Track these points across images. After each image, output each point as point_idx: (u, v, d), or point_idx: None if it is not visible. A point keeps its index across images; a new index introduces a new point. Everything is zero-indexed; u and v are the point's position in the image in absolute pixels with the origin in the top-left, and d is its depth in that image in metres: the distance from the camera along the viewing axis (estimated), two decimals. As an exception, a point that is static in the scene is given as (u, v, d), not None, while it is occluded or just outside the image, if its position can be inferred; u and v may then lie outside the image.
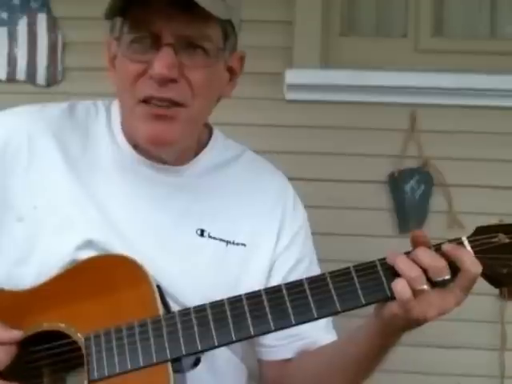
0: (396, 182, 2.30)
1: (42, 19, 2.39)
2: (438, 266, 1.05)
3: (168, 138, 1.20)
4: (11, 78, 2.40)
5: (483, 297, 2.20)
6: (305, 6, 2.32)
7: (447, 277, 1.06)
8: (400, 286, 1.05)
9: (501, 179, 2.26)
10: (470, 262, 1.06)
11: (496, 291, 2.27)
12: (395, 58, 2.37)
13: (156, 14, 1.14)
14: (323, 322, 1.31)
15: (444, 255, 1.07)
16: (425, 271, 1.06)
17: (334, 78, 2.32)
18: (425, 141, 2.30)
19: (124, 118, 1.26)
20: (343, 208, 2.31)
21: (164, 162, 1.27)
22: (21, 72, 2.40)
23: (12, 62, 2.40)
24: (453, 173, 2.29)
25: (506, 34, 2.48)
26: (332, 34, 2.41)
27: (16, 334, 1.11)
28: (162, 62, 1.14)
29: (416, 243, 1.10)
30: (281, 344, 1.31)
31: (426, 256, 1.06)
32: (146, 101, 1.17)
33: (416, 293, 1.05)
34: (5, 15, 2.39)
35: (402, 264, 1.06)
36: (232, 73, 1.28)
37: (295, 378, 1.31)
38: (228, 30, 1.22)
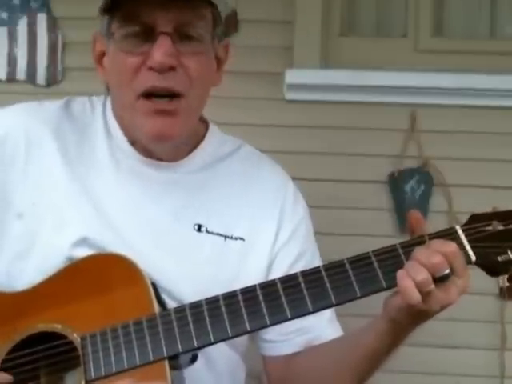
0: (396, 182, 2.30)
1: (42, 19, 2.38)
2: (438, 263, 1.05)
3: (171, 133, 1.20)
4: (11, 78, 2.40)
5: (483, 297, 2.21)
6: (305, 6, 2.31)
7: (447, 271, 1.05)
8: (409, 290, 1.04)
9: (501, 179, 2.26)
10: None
11: (496, 291, 2.28)
12: (395, 57, 2.37)
13: (149, 6, 1.14)
14: (327, 315, 1.31)
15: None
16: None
17: (334, 77, 2.31)
18: (425, 141, 2.30)
19: (122, 115, 1.25)
20: (343, 208, 2.31)
21: (160, 159, 1.27)
22: (21, 72, 2.40)
23: (12, 62, 2.39)
24: (453, 173, 2.29)
25: (505, 34, 2.48)
26: (332, 34, 2.40)
27: (4, 378, 1.10)
28: (160, 50, 1.15)
29: (413, 227, 1.12)
30: (284, 339, 1.31)
31: (423, 256, 1.06)
32: (147, 95, 1.17)
33: (424, 294, 1.04)
34: (5, 15, 2.39)
35: (409, 267, 1.05)
36: (219, 61, 1.29)
37: (301, 375, 1.30)
38: (216, 17, 1.23)
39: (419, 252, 1.07)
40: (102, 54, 1.25)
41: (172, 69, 1.16)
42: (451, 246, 1.06)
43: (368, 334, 1.18)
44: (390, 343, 1.16)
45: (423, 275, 1.04)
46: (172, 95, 1.18)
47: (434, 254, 1.05)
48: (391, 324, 1.12)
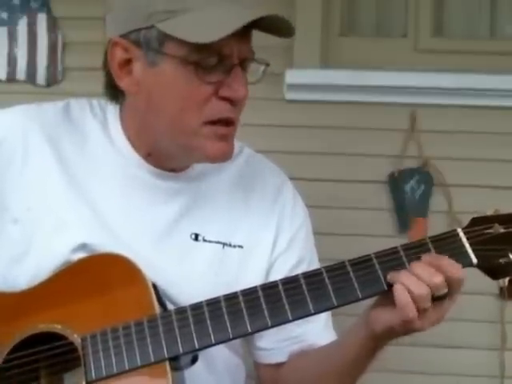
0: (396, 182, 2.30)
1: (42, 19, 2.39)
2: (438, 283, 1.04)
3: (230, 155, 1.22)
4: (11, 78, 2.40)
5: (483, 297, 2.21)
6: (305, 6, 2.32)
7: (446, 290, 1.05)
8: (405, 302, 1.04)
9: (501, 179, 2.26)
10: (453, 269, 1.06)
11: (496, 291, 2.28)
12: (395, 58, 2.37)
13: (227, 36, 1.11)
14: (322, 324, 1.30)
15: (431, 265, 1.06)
16: None
17: (334, 77, 2.32)
18: (425, 141, 2.30)
19: (173, 137, 1.20)
20: (343, 208, 2.31)
21: (165, 168, 1.26)
22: (21, 72, 2.40)
23: (12, 62, 2.40)
24: (453, 173, 2.29)
25: (506, 34, 2.48)
26: (332, 34, 2.41)
27: None
28: (242, 84, 1.15)
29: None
30: (277, 347, 1.30)
31: (426, 274, 1.05)
32: (215, 122, 1.17)
33: (420, 311, 1.04)
34: (5, 15, 2.39)
35: (409, 281, 1.05)
36: None
37: (289, 378, 1.30)
38: None
39: (420, 268, 1.06)
40: (126, 62, 1.19)
41: None
42: (457, 269, 1.06)
43: (349, 339, 1.18)
44: (371, 349, 1.15)
45: (422, 290, 1.04)
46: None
47: (437, 274, 1.05)
48: (372, 333, 1.11)
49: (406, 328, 1.07)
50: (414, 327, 1.06)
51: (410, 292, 1.04)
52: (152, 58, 1.16)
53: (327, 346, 1.28)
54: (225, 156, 1.21)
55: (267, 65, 1.21)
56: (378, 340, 1.13)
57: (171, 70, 1.16)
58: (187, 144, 1.20)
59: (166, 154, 1.24)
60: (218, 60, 1.14)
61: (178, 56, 1.14)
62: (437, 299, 1.05)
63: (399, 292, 1.05)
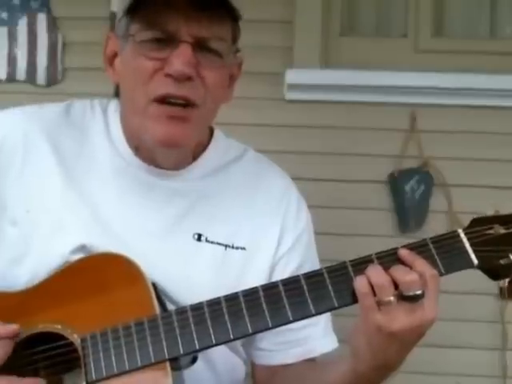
0: (396, 182, 2.30)
1: (42, 19, 2.39)
2: (407, 280, 1.03)
3: (181, 139, 1.19)
4: (11, 78, 2.41)
5: (483, 296, 2.21)
6: (305, 6, 2.32)
7: (418, 291, 1.03)
8: (362, 290, 1.04)
9: (501, 179, 2.26)
10: (422, 267, 1.05)
11: (496, 291, 2.28)
12: (395, 58, 2.37)
13: (173, 14, 1.14)
14: (321, 328, 1.30)
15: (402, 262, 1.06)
16: (396, 284, 1.04)
17: (334, 77, 2.32)
18: (425, 141, 2.30)
19: (131, 118, 1.23)
20: (343, 208, 2.31)
21: (163, 167, 1.26)
22: (21, 72, 2.40)
23: (12, 62, 2.40)
24: (453, 173, 2.29)
25: (505, 34, 2.48)
26: (332, 34, 2.41)
27: (12, 329, 1.09)
28: (181, 59, 1.14)
29: None
30: (278, 349, 1.30)
31: (397, 269, 1.05)
32: (160, 100, 1.16)
33: (380, 303, 1.04)
34: (5, 15, 2.39)
35: (371, 271, 1.05)
36: (231, 78, 1.27)
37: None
38: (236, 33, 1.23)
39: (397, 269, 1.05)
40: (114, 55, 1.24)
41: (189, 78, 1.15)
42: (431, 270, 1.05)
43: (345, 358, 1.15)
44: (370, 366, 1.12)
45: (381, 280, 1.03)
46: (186, 104, 1.17)
47: (411, 272, 1.04)
48: (356, 350, 1.10)
49: (370, 322, 1.04)
50: (377, 321, 1.03)
51: (369, 279, 1.04)
52: (122, 45, 1.21)
53: (326, 364, 1.25)
54: (169, 139, 1.18)
55: (220, 56, 1.19)
56: (368, 356, 1.10)
57: (129, 52, 1.19)
58: (141, 126, 1.19)
59: (142, 146, 1.23)
60: (164, 36, 1.15)
61: (132, 36, 1.17)
62: (410, 300, 1.04)
63: (358, 280, 1.05)
